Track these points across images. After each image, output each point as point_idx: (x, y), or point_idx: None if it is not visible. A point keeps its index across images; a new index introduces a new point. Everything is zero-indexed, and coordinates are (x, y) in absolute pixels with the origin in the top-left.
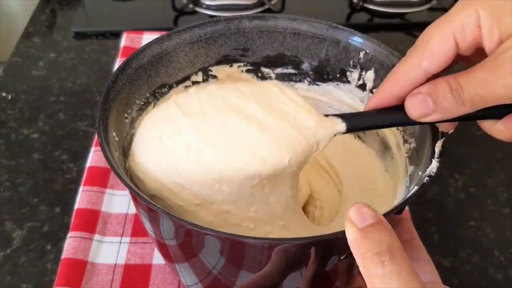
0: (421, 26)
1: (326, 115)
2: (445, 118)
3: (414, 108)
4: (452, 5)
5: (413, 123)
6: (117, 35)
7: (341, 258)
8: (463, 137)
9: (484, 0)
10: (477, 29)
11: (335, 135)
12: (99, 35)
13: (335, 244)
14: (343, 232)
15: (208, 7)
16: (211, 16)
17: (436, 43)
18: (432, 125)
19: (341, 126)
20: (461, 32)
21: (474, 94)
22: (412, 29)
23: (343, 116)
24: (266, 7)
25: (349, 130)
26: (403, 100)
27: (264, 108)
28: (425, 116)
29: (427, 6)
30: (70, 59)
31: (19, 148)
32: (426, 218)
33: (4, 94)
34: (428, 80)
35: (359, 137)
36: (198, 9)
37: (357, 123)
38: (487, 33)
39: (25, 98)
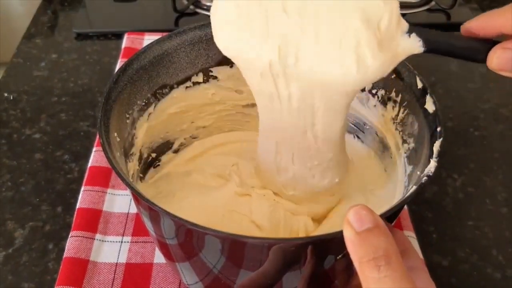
0: (420, 27)
1: (410, 31)
2: None
3: (498, 61)
4: (451, 6)
5: (483, 62)
6: (118, 36)
7: (338, 258)
8: (461, 138)
9: None
10: None
11: None
12: (100, 36)
13: (332, 244)
14: (340, 233)
15: (209, 8)
16: None
17: None
18: (430, 126)
19: (420, 49)
20: None
21: None
22: None
23: (424, 37)
24: None
25: (426, 52)
26: (500, 35)
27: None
28: (502, 70)
29: (426, 7)
30: (71, 59)
31: (21, 148)
32: (425, 217)
33: (6, 95)
34: None
35: (358, 137)
36: (198, 10)
37: (435, 48)
38: None
39: (27, 99)
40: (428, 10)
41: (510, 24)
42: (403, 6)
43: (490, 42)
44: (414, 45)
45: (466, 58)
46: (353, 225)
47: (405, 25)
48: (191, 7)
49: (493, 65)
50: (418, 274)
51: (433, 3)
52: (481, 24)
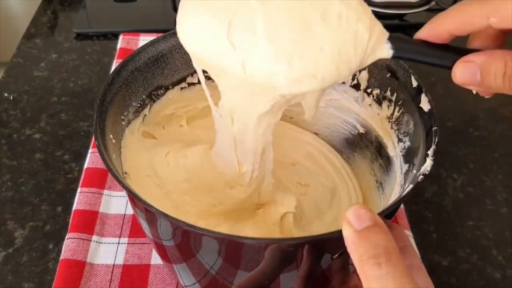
0: (420, 27)
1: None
2: (482, 92)
3: (461, 75)
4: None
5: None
6: (118, 36)
7: (334, 257)
8: (461, 138)
9: None
10: None
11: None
12: (100, 36)
13: (329, 244)
14: (337, 232)
15: None
16: None
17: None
18: (426, 125)
19: (388, 52)
20: None
21: None
22: (411, 30)
23: (393, 41)
24: None
25: (394, 58)
26: (452, 37)
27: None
28: (467, 85)
29: (426, 7)
30: (71, 59)
31: (21, 148)
32: (425, 217)
33: (6, 95)
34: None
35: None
36: None
37: (403, 53)
38: None
39: (27, 99)
40: (428, 10)
41: (457, 27)
42: (403, 6)
43: (459, 51)
44: (384, 50)
45: (436, 65)
46: (352, 223)
47: (385, 36)
48: None
49: (457, 80)
50: (416, 272)
51: (433, 3)
52: (429, 32)
